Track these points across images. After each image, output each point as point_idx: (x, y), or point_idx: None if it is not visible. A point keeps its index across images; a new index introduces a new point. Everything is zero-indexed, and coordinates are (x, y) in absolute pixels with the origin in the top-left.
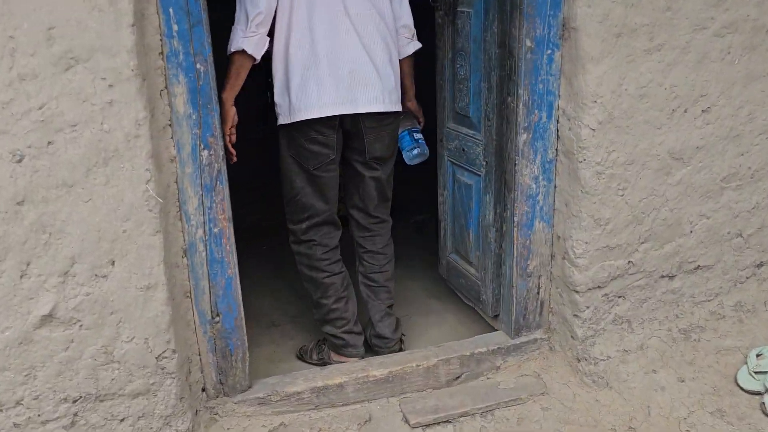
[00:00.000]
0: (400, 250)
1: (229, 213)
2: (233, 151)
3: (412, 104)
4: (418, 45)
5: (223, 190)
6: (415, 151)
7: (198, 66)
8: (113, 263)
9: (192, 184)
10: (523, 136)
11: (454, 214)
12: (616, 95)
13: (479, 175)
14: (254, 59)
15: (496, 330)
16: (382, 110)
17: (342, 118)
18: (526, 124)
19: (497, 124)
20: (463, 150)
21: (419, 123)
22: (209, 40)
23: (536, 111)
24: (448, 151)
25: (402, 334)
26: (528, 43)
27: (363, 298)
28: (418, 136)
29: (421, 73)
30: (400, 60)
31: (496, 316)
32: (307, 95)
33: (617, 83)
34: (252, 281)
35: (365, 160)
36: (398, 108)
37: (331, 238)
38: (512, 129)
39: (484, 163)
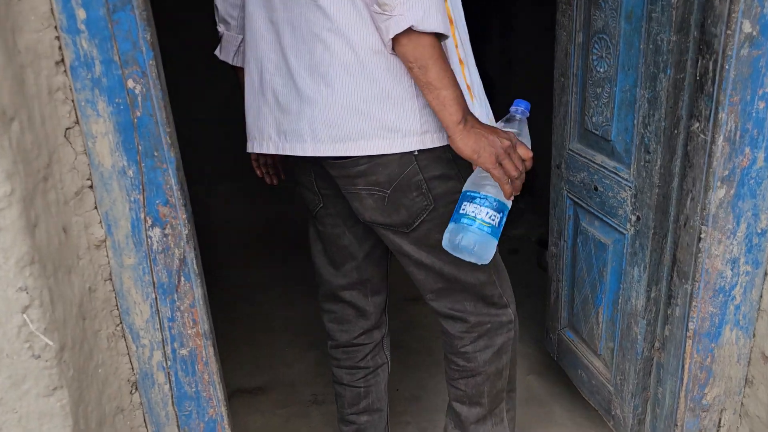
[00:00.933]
0: None
1: (205, 325)
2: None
3: (454, 136)
4: (409, 21)
5: (193, 290)
6: (450, 238)
7: (130, 84)
8: None
9: (138, 284)
10: (720, 192)
11: (574, 277)
12: None
13: (623, 234)
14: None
15: None
16: (309, 154)
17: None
18: (727, 172)
19: (663, 161)
20: (596, 189)
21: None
22: (152, 35)
23: (747, 148)
24: (568, 184)
25: None
26: (746, 27)
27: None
28: (478, 207)
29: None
30: (395, 51)
31: None
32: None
33: None
34: (294, 329)
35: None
36: (363, 150)
37: (343, 329)
38: (697, 176)
39: (634, 217)
